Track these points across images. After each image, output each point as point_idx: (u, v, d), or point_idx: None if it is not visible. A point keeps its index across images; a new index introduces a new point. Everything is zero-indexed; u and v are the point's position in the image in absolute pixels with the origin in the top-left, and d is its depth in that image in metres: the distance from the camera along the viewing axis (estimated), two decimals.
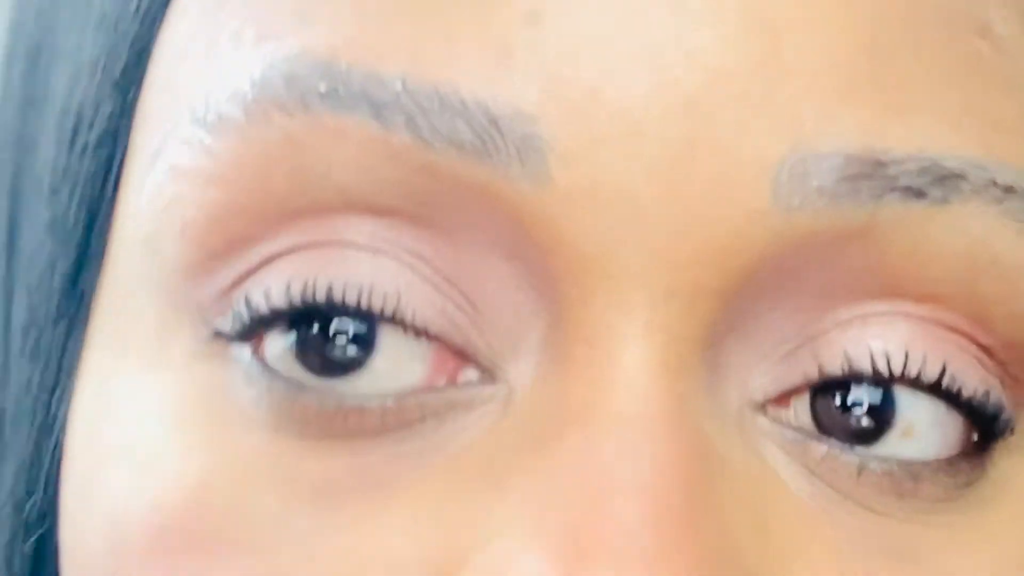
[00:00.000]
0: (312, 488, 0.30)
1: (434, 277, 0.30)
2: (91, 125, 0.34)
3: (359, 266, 0.30)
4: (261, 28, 0.30)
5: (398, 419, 0.30)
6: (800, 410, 0.31)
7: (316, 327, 0.30)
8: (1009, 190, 0.30)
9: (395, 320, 0.30)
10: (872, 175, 0.29)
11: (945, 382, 0.31)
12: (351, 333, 0.30)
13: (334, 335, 0.30)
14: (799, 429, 0.31)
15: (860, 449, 0.31)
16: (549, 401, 0.29)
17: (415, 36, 0.29)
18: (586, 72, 0.28)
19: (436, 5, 0.29)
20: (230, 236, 0.30)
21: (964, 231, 0.30)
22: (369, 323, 0.30)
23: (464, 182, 0.29)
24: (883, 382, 0.31)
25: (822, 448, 0.31)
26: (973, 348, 0.31)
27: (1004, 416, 0.31)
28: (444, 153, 0.29)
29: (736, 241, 0.29)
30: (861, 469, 0.30)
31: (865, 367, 0.30)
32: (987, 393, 0.31)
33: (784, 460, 0.30)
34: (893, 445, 0.31)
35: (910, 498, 0.31)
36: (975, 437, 0.31)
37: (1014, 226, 0.30)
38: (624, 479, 0.28)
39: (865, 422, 0.31)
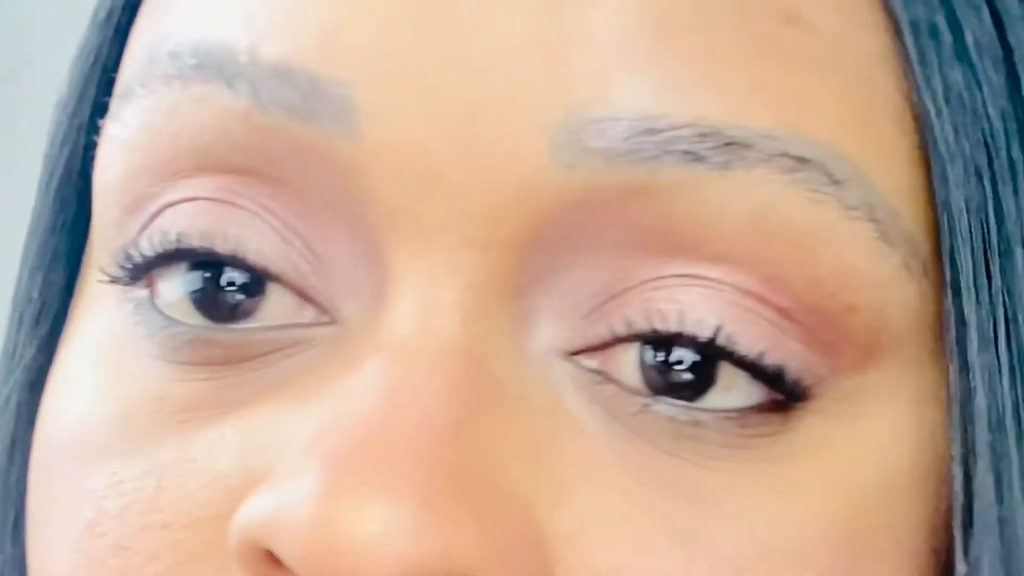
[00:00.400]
0: (176, 406, 0.35)
1: (281, 228, 0.34)
2: None
3: (216, 217, 0.34)
4: (163, 15, 0.36)
5: (251, 351, 0.34)
6: (626, 363, 0.33)
7: (207, 274, 0.35)
8: (803, 160, 0.32)
9: (237, 263, 0.34)
10: (647, 138, 0.32)
11: (719, 341, 0.33)
12: (238, 282, 0.35)
13: (220, 281, 0.35)
14: (603, 375, 0.33)
15: (675, 401, 0.33)
16: (364, 337, 0.33)
17: (263, 18, 0.34)
18: (392, 42, 0.32)
19: None
20: (136, 194, 0.36)
21: (751, 196, 0.32)
22: (254, 274, 0.35)
23: (296, 142, 0.33)
24: (668, 340, 0.33)
25: (613, 390, 0.33)
26: (768, 311, 0.33)
27: (789, 377, 0.33)
28: (278, 116, 0.33)
29: (519, 195, 0.32)
30: (645, 408, 0.33)
31: (659, 325, 0.33)
32: (761, 354, 0.33)
33: (583, 402, 0.33)
34: (716, 399, 0.33)
35: (692, 440, 0.33)
36: (781, 396, 0.33)
37: (807, 195, 0.32)
38: (404, 403, 0.31)
39: (686, 377, 0.33)
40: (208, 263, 0.35)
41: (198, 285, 0.35)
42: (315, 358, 0.34)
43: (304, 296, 0.34)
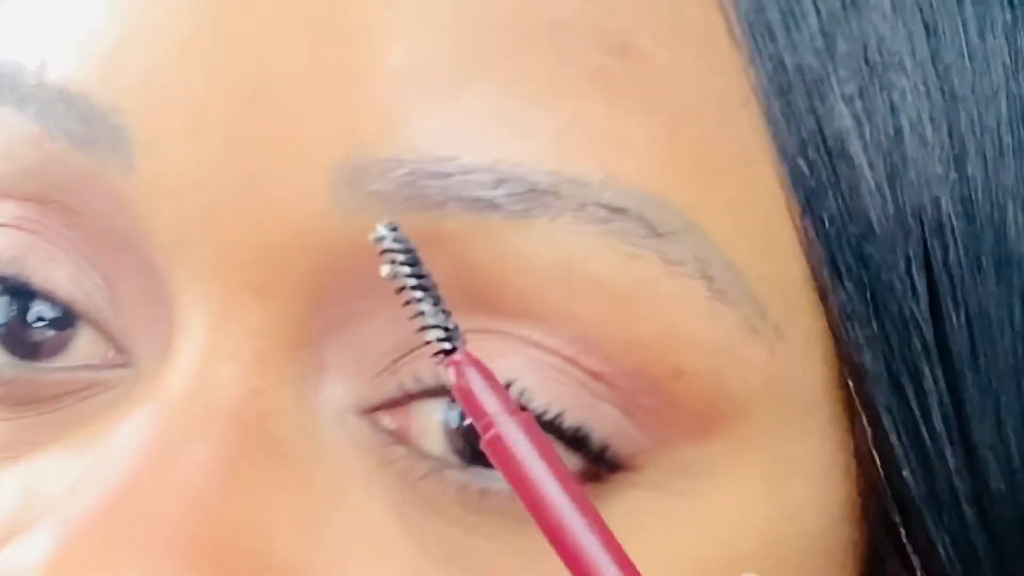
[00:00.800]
0: None
1: (81, 261, 0.32)
2: None
3: (22, 245, 0.32)
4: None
5: (52, 390, 0.32)
6: (429, 424, 0.30)
7: (13, 308, 0.33)
8: (618, 210, 0.29)
9: (46, 295, 0.32)
10: (432, 182, 0.29)
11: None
12: (47, 316, 0.32)
13: (27, 316, 0.33)
14: (398, 435, 0.30)
15: (473, 468, 0.30)
16: (147, 385, 0.31)
17: (53, 39, 0.31)
18: (168, 69, 0.30)
19: (66, 15, 0.31)
20: None
21: (556, 248, 0.29)
22: (64, 308, 0.32)
23: (81, 170, 0.31)
24: None
25: (403, 452, 0.30)
26: (576, 371, 0.29)
27: (595, 443, 0.30)
28: (62, 142, 0.31)
29: (299, 240, 0.29)
30: (432, 473, 0.30)
31: (446, 380, 0.29)
32: (559, 415, 0.29)
33: (374, 464, 0.30)
34: None
35: (484, 512, 0.30)
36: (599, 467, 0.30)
37: (623, 248, 0.29)
38: (163, 464, 0.29)
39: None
40: (17, 292, 0.32)
41: (3, 319, 0.33)
42: (109, 402, 0.32)
43: (106, 334, 0.32)
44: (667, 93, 0.30)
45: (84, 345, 0.32)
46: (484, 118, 0.29)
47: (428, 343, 0.27)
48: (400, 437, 0.30)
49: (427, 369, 0.30)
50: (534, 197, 0.29)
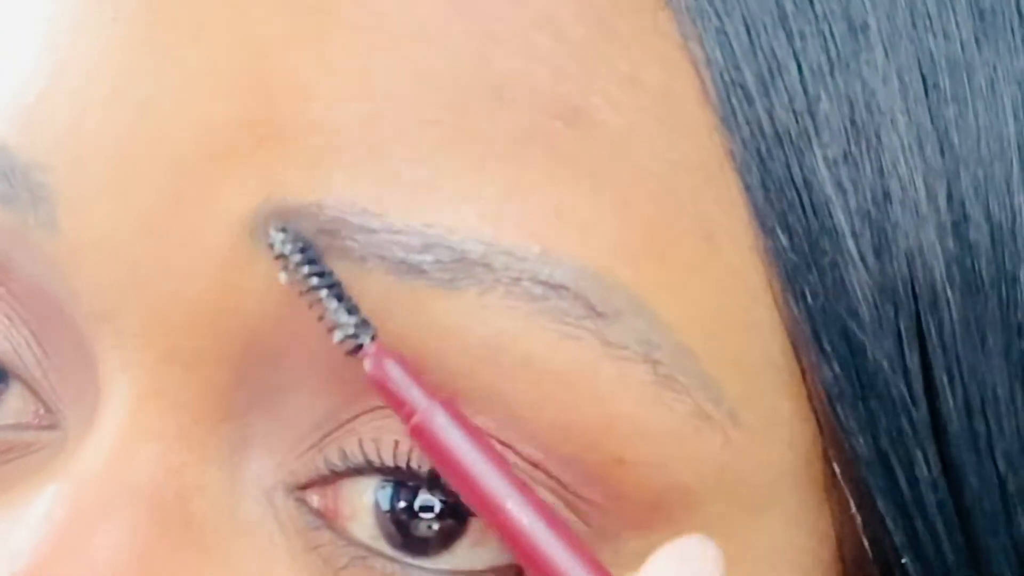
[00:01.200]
0: None
1: (12, 316, 0.31)
2: None
3: None
4: None
5: None
6: (360, 504, 0.29)
7: None
8: (557, 288, 0.27)
9: None
10: (356, 237, 0.27)
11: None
12: None
13: None
14: (326, 517, 0.29)
15: (412, 559, 0.28)
16: (68, 455, 0.29)
17: None
18: (91, 124, 0.28)
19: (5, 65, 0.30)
20: None
21: (484, 322, 0.27)
22: None
23: (4, 227, 0.29)
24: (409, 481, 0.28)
25: (328, 537, 0.28)
26: (512, 456, 0.28)
27: None
28: None
29: (224, 301, 0.28)
30: (355, 562, 0.28)
31: (372, 456, 0.28)
32: None
33: (299, 549, 0.29)
34: (459, 556, 0.28)
35: None
36: None
37: (559, 328, 0.27)
38: (69, 551, 0.28)
39: (427, 528, 0.28)
40: None
41: None
42: (32, 466, 0.30)
43: (34, 393, 0.31)
44: (619, 162, 0.28)
45: (15, 402, 0.31)
46: (415, 180, 0.27)
47: (338, 342, 0.26)
48: (328, 518, 0.29)
49: (353, 446, 0.28)
50: (464, 267, 0.27)
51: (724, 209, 0.28)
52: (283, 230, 0.27)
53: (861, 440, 0.29)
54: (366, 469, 0.28)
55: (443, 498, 0.28)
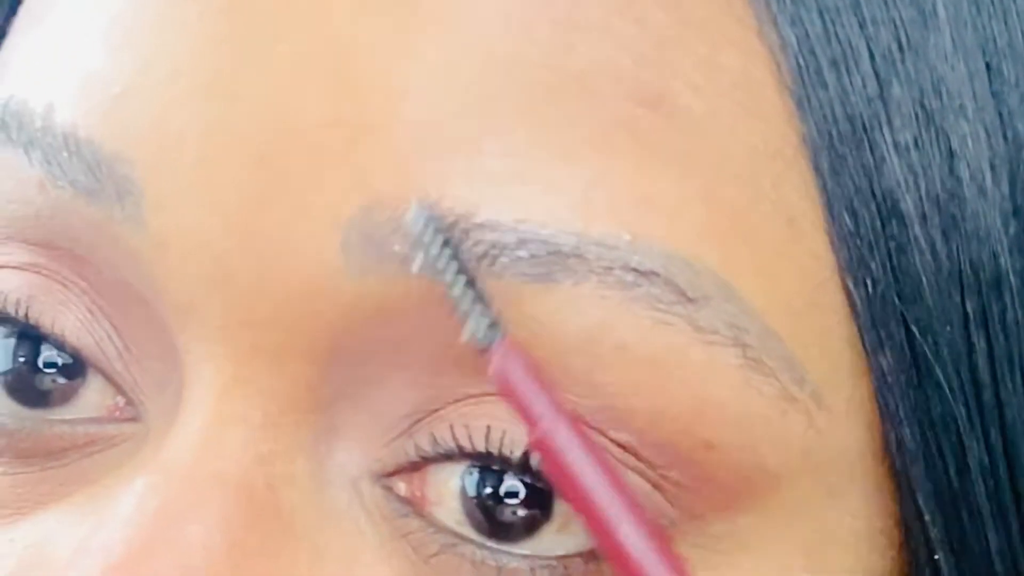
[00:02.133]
0: None
1: (93, 308, 0.31)
2: None
3: (33, 288, 0.31)
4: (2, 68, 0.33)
5: (59, 444, 0.31)
6: (446, 491, 0.29)
7: (23, 355, 0.31)
8: (648, 275, 0.27)
9: (55, 340, 0.31)
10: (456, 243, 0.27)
11: (533, 463, 0.28)
12: (59, 363, 0.31)
13: (37, 361, 0.31)
14: (413, 504, 0.29)
15: (489, 542, 0.28)
16: (154, 446, 0.29)
17: (62, 78, 0.30)
18: (177, 119, 0.28)
19: (74, 54, 0.30)
20: None
21: (580, 313, 0.27)
22: (75, 355, 0.31)
23: (84, 220, 0.29)
24: (495, 466, 0.28)
25: (417, 524, 0.29)
26: (602, 439, 0.28)
27: None
28: (65, 190, 0.29)
29: (311, 302, 0.28)
30: (447, 549, 0.28)
31: (464, 442, 0.28)
32: None
33: (387, 536, 0.29)
34: (545, 541, 0.28)
35: None
36: None
37: (650, 315, 0.27)
38: (163, 538, 0.28)
39: (513, 513, 0.28)
40: (26, 336, 0.31)
41: (9, 365, 0.31)
42: (116, 459, 0.30)
43: (116, 385, 0.31)
44: (702, 147, 0.28)
45: (93, 396, 0.31)
46: (505, 174, 0.27)
47: (467, 339, 0.26)
48: (415, 505, 0.29)
49: (444, 432, 0.28)
50: (557, 260, 0.27)
51: (801, 194, 0.29)
52: (427, 216, 0.26)
53: (908, 430, 0.29)
54: (456, 455, 0.28)
55: (528, 482, 0.28)
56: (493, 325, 0.27)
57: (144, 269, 0.29)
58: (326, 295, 0.28)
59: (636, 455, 0.28)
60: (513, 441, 0.28)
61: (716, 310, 0.28)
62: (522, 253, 0.27)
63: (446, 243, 0.26)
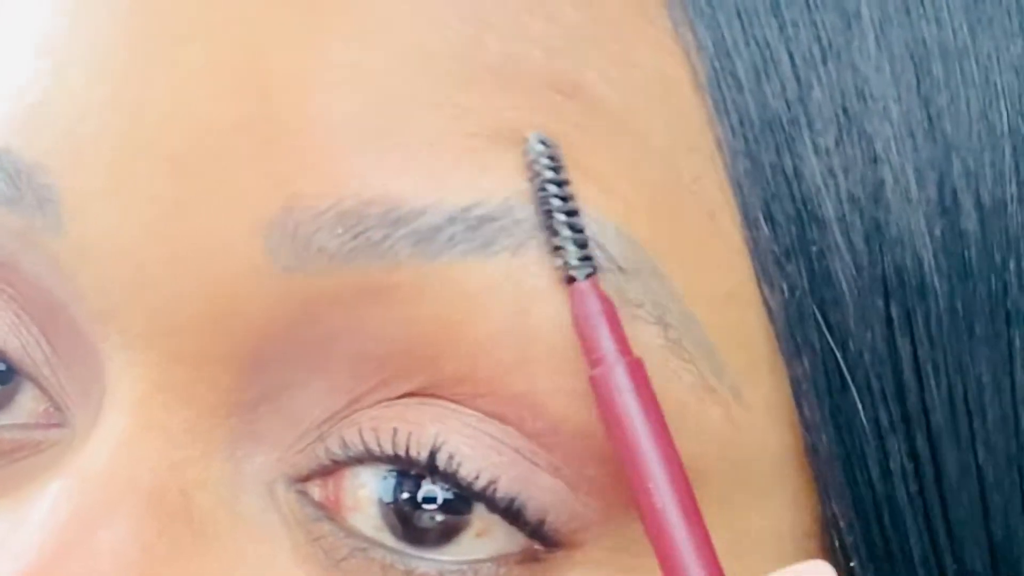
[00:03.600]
0: None
1: (22, 315, 0.31)
2: None
3: None
4: None
5: None
6: (363, 495, 0.29)
7: None
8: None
9: None
10: (379, 231, 0.27)
11: (439, 463, 0.28)
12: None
13: None
14: (327, 509, 0.29)
15: (416, 551, 0.28)
16: (72, 454, 0.29)
17: None
18: (92, 125, 0.29)
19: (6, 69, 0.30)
20: None
21: (516, 282, 0.27)
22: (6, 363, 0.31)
23: (7, 228, 0.30)
24: (413, 472, 0.28)
25: (328, 528, 0.29)
26: (518, 439, 0.28)
27: (531, 516, 0.28)
28: None
29: (233, 306, 0.28)
30: (356, 553, 0.28)
31: (372, 445, 0.28)
32: (491, 483, 0.28)
33: (301, 541, 0.29)
34: (464, 547, 0.28)
35: None
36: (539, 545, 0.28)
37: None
38: (72, 546, 0.28)
39: (430, 519, 0.28)
40: None
41: None
42: (41, 465, 0.30)
43: (44, 391, 0.31)
44: (623, 131, 0.28)
45: (28, 402, 0.31)
46: (428, 159, 0.27)
47: (557, 268, 0.27)
48: (330, 510, 0.29)
49: (353, 435, 0.28)
50: (491, 230, 0.27)
51: (723, 192, 0.29)
52: (543, 143, 0.27)
53: (824, 435, 0.29)
54: (366, 458, 0.28)
55: (446, 488, 0.28)
56: (583, 261, 0.27)
57: (66, 276, 0.29)
58: (251, 297, 0.28)
59: (552, 450, 0.28)
60: (420, 443, 0.28)
61: (643, 284, 0.28)
62: (457, 228, 0.27)
63: (557, 172, 0.27)
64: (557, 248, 0.27)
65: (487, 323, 0.27)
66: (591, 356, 0.27)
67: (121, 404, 0.29)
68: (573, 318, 0.27)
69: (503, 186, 0.27)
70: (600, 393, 0.27)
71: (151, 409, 0.28)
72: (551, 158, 0.27)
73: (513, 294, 0.27)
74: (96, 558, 0.28)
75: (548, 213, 0.27)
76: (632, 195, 0.28)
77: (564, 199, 0.27)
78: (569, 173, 0.27)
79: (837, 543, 0.30)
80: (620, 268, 0.27)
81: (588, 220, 0.27)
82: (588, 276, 0.27)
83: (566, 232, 0.27)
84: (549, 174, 0.27)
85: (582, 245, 0.27)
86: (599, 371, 0.27)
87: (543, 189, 0.27)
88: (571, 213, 0.27)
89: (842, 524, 0.29)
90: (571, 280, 0.27)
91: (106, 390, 0.29)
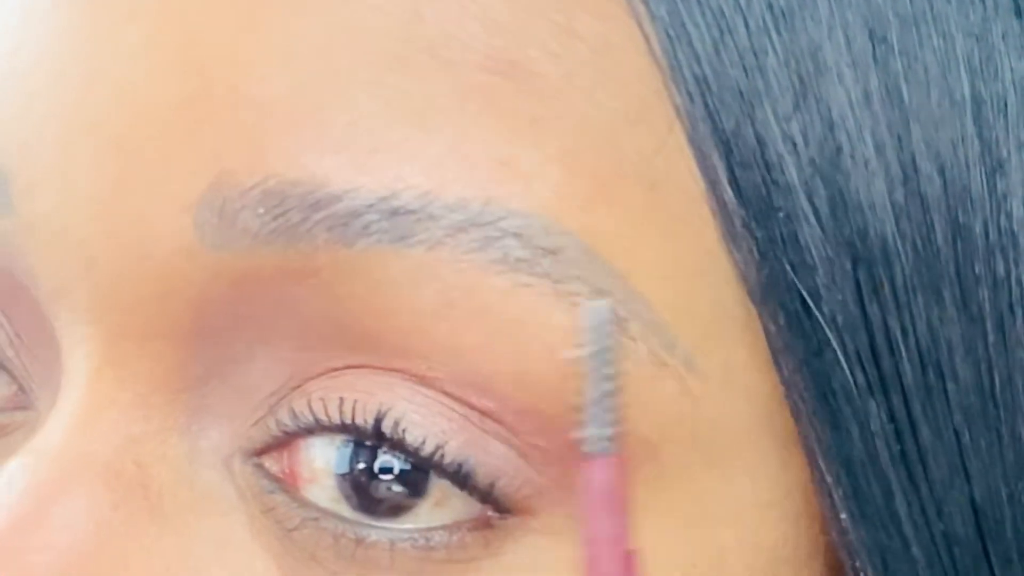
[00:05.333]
0: None
1: None
2: None
3: None
4: None
5: None
6: (319, 467, 0.29)
7: None
8: (506, 237, 0.27)
9: None
10: (300, 213, 0.27)
11: (384, 429, 0.28)
12: None
13: None
14: (281, 481, 0.29)
15: (373, 520, 0.28)
16: (33, 431, 0.30)
17: None
18: (39, 107, 0.29)
19: None
20: None
21: (437, 277, 0.27)
22: None
23: None
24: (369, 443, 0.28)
25: (281, 499, 0.29)
26: (463, 408, 0.28)
27: (480, 481, 0.28)
28: None
29: (170, 282, 0.28)
30: (307, 523, 0.28)
31: (320, 415, 0.28)
32: (438, 449, 0.28)
33: (256, 512, 0.29)
34: (422, 516, 0.28)
35: (363, 565, 0.28)
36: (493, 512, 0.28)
37: (509, 277, 0.27)
38: (30, 522, 0.28)
39: (387, 489, 0.28)
40: None
41: None
42: (7, 447, 0.31)
43: (10, 374, 0.31)
44: (559, 112, 0.28)
45: (1, 387, 0.32)
46: (353, 143, 0.27)
47: (582, 437, 0.27)
48: (286, 482, 0.29)
49: (302, 406, 0.28)
50: (408, 223, 0.27)
51: (669, 160, 0.28)
52: (604, 315, 0.27)
53: (806, 395, 0.29)
54: (316, 428, 0.28)
55: (403, 458, 0.28)
56: (611, 439, 0.27)
57: (19, 256, 0.29)
58: (184, 274, 0.28)
59: (500, 422, 0.28)
60: (365, 410, 0.28)
61: (578, 272, 0.27)
62: (373, 216, 0.27)
63: (607, 343, 0.27)
64: (590, 421, 0.27)
65: (413, 310, 0.27)
66: (587, 529, 0.27)
67: (75, 381, 0.29)
68: (585, 485, 0.27)
69: (425, 177, 0.27)
70: (588, 561, 0.27)
71: (103, 384, 0.29)
72: (607, 333, 0.27)
73: (437, 287, 0.27)
74: (51, 532, 0.28)
75: (590, 386, 0.27)
76: (564, 180, 0.28)
77: (607, 376, 0.27)
78: (492, 172, 0.27)
79: (828, 503, 0.30)
80: (549, 260, 0.27)
81: (514, 216, 0.27)
82: (606, 455, 0.27)
83: (603, 405, 0.27)
84: (600, 348, 0.27)
85: (614, 423, 0.27)
86: (590, 552, 0.27)
87: (593, 358, 0.27)
88: (609, 393, 0.27)
89: (828, 480, 0.29)
90: (588, 453, 0.27)
91: (63, 369, 0.29)
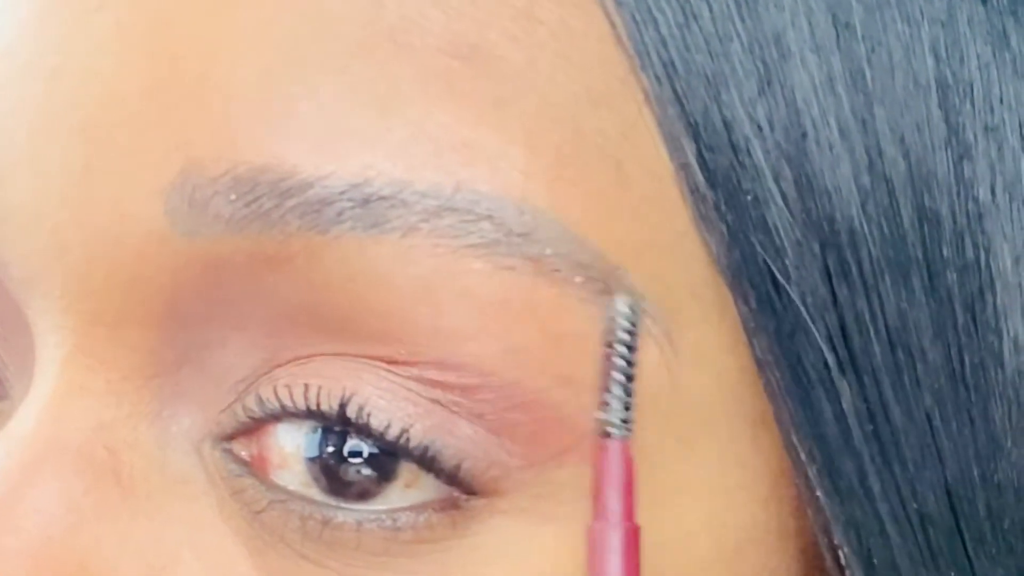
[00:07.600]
0: None
1: None
2: None
3: None
4: None
5: None
6: (290, 452, 0.29)
7: None
8: (479, 220, 0.27)
9: None
10: (271, 200, 0.27)
11: (349, 414, 0.28)
12: None
13: None
14: (249, 466, 0.29)
15: (344, 503, 0.28)
16: (8, 420, 0.30)
17: None
18: (12, 96, 0.29)
19: None
20: None
21: (414, 263, 0.27)
22: None
23: None
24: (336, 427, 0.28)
25: (249, 483, 0.29)
26: (435, 391, 0.28)
27: (446, 463, 0.28)
28: None
29: (142, 268, 0.28)
30: (274, 505, 0.29)
31: (286, 401, 0.28)
32: (404, 432, 0.28)
33: (225, 496, 0.29)
34: (398, 498, 0.28)
35: (330, 545, 0.28)
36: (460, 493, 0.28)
37: (488, 259, 0.27)
38: (4, 504, 0.28)
39: (357, 472, 0.29)
40: None
41: None
42: None
43: None
44: (521, 95, 0.28)
45: None
46: (320, 130, 0.28)
47: (597, 419, 0.28)
48: (255, 467, 0.29)
49: (269, 393, 0.29)
50: (381, 209, 0.27)
51: (633, 142, 0.29)
52: (629, 308, 0.28)
53: (778, 373, 0.29)
54: (282, 414, 0.29)
55: (370, 442, 0.28)
56: (625, 422, 0.28)
57: None
58: (155, 260, 0.28)
59: (479, 399, 0.28)
60: (330, 395, 0.28)
61: (554, 249, 0.28)
62: (346, 204, 0.27)
63: (631, 334, 0.28)
64: (605, 402, 0.28)
65: (392, 295, 0.28)
66: (598, 507, 0.27)
67: (47, 368, 0.29)
68: (595, 468, 0.27)
69: (392, 163, 0.27)
70: (594, 546, 0.27)
71: (75, 371, 0.29)
72: (631, 323, 0.27)
73: (414, 271, 0.27)
74: (22, 516, 0.28)
75: (606, 373, 0.28)
76: (530, 161, 0.28)
77: (628, 363, 0.28)
78: (459, 155, 0.28)
79: (803, 482, 0.30)
80: (525, 240, 0.28)
81: (486, 200, 0.27)
82: (623, 438, 0.28)
83: (618, 391, 0.28)
84: (624, 337, 0.28)
85: (627, 408, 0.28)
86: (599, 526, 0.27)
87: (611, 346, 0.28)
88: (629, 379, 0.28)
89: (803, 456, 0.30)
90: (606, 434, 0.28)
91: (36, 357, 0.29)
